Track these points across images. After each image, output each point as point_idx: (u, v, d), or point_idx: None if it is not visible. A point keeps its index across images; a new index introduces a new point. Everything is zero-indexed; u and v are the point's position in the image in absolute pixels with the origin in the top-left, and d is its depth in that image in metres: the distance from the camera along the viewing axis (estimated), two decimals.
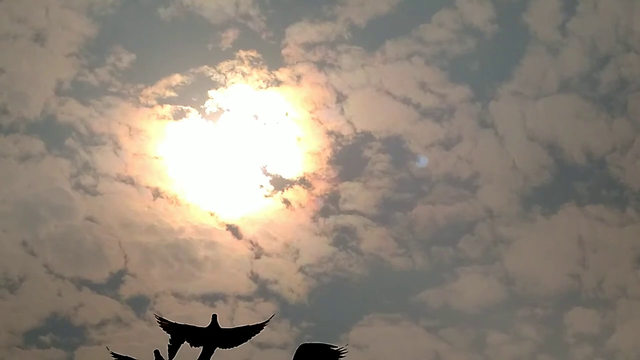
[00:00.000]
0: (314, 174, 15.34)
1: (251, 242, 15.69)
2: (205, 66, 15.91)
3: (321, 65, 15.90)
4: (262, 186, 15.72)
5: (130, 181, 15.65)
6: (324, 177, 15.35)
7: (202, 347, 7.61)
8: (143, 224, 15.48)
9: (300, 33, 16.08)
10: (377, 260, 15.10)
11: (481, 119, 15.77)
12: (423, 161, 15.71)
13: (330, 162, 15.57)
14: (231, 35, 16.49)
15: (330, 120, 16.31)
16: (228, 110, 16.25)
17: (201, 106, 16.49)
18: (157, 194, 15.81)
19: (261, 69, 15.81)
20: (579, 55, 15.61)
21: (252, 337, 7.68)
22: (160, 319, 7.41)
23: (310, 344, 7.04)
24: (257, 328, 7.53)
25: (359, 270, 14.80)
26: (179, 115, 16.36)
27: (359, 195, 15.54)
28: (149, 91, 15.92)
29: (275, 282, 15.08)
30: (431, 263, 15.38)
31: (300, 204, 15.16)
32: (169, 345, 7.53)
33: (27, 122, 15.74)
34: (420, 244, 15.54)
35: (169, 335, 7.63)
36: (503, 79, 15.79)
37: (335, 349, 7.29)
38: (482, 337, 14.53)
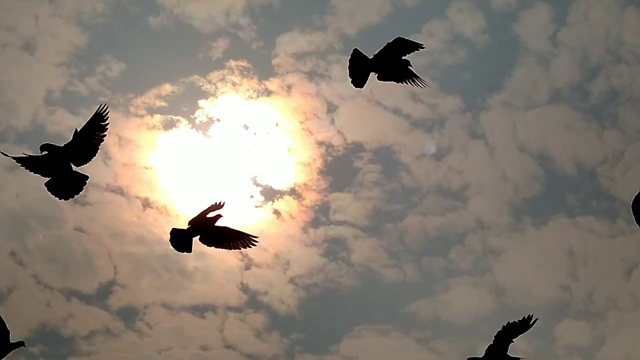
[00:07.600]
0: (304, 184, 15.36)
1: (241, 253, 15.67)
2: (196, 76, 15.88)
3: (312, 75, 15.88)
4: (252, 197, 15.73)
5: (120, 191, 15.60)
6: (314, 187, 15.37)
7: None
8: (133, 234, 15.44)
9: (290, 43, 16.07)
10: (367, 271, 15.11)
11: (472, 130, 15.79)
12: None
13: (320, 172, 15.57)
14: (221, 44, 16.50)
15: (320, 131, 16.29)
16: (218, 120, 16.22)
17: (191, 116, 16.43)
18: (146, 204, 15.76)
19: (251, 78, 15.82)
20: (569, 65, 15.66)
21: None
22: None
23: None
24: None
25: (350, 281, 14.83)
26: (169, 125, 16.31)
27: (349, 206, 15.55)
28: (139, 101, 15.91)
29: (266, 293, 15.08)
30: (422, 274, 15.40)
31: (291, 215, 15.17)
32: None
33: (16, 131, 15.68)
34: (410, 255, 15.56)
35: None
36: (493, 90, 15.83)
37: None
38: (473, 349, 14.54)
